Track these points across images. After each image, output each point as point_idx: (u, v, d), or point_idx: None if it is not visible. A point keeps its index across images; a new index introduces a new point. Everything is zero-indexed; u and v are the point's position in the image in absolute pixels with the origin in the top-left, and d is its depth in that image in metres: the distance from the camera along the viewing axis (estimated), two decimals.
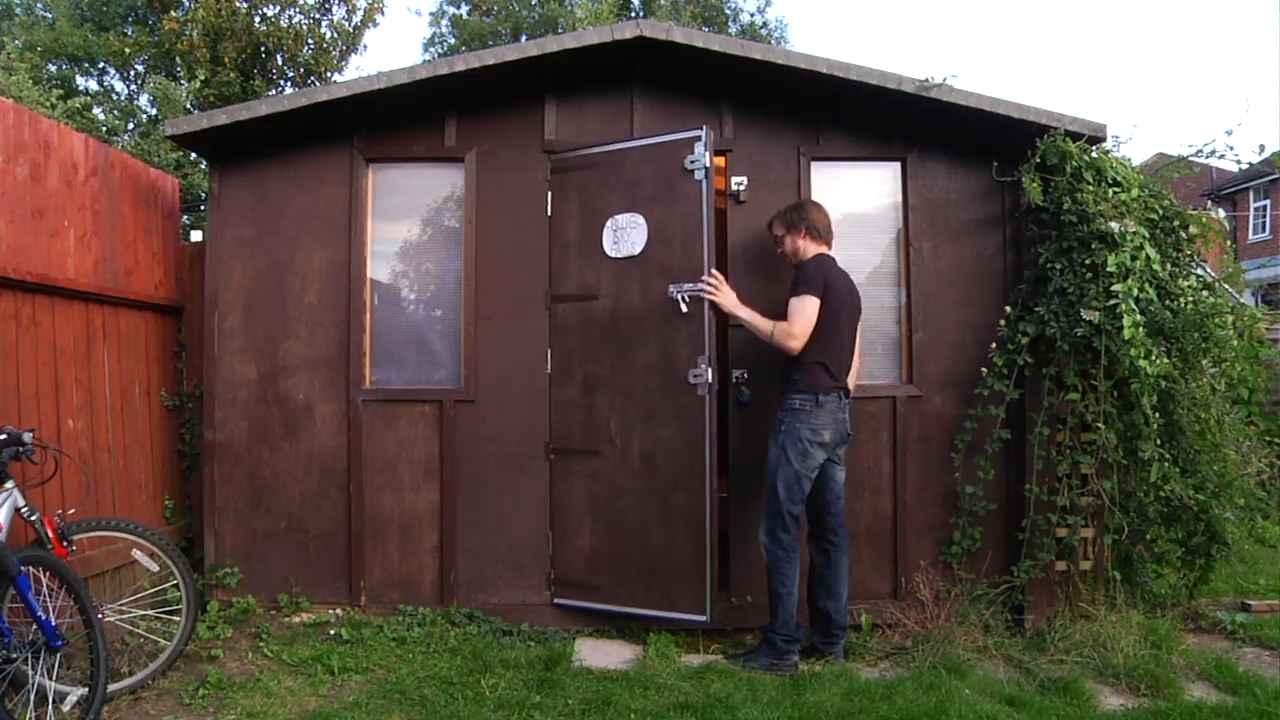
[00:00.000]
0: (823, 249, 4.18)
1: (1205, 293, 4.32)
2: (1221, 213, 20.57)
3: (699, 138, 4.14)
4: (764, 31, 22.69)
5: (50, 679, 3.11)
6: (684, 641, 4.28)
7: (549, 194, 4.53)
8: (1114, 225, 4.07)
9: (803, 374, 4.00)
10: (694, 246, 4.14)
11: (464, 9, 23.46)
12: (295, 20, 12.40)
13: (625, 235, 4.31)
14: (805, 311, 3.98)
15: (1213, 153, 4.55)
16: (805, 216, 4.18)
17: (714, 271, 4.10)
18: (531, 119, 4.58)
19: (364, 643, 4.09)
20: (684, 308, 4.13)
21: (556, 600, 4.46)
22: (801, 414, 3.98)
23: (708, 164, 4.13)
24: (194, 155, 9.10)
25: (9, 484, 3.17)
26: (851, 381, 4.17)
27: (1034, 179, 4.22)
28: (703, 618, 4.11)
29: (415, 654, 4.00)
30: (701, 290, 4.07)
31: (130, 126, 13.56)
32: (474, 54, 4.36)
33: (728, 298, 4.09)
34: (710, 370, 4.08)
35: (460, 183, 4.59)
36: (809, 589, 4.21)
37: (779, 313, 4.06)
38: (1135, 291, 4.00)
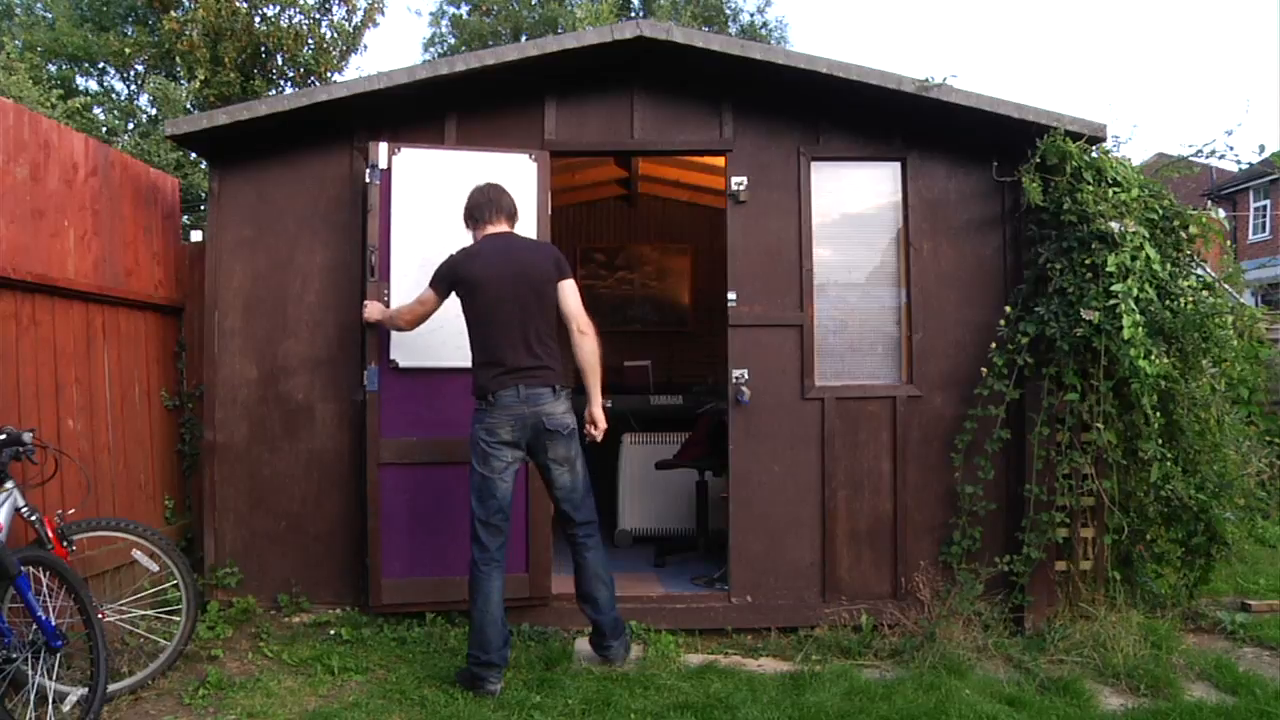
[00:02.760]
0: (486, 230, 3.85)
1: (1205, 293, 4.31)
2: (1221, 213, 20.55)
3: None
4: (764, 31, 22.68)
5: (50, 679, 3.10)
6: (684, 642, 4.28)
7: (548, 193, 4.54)
8: (1114, 225, 4.07)
9: (474, 378, 3.75)
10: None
11: (464, 9, 23.43)
12: (295, 20, 12.40)
13: None
14: (412, 299, 3.96)
15: (1213, 153, 4.55)
16: (465, 207, 3.91)
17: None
18: (532, 119, 4.58)
19: (364, 643, 4.09)
20: None
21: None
22: (476, 415, 3.71)
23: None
24: (194, 155, 9.10)
25: (9, 484, 3.16)
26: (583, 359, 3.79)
27: (1034, 179, 4.22)
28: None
29: (415, 654, 4.00)
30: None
31: (130, 126, 13.57)
32: (474, 54, 4.37)
33: (369, 310, 4.18)
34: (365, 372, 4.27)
35: None
36: (576, 590, 3.94)
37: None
38: (1135, 291, 4.00)
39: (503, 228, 3.86)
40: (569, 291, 3.80)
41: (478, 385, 3.72)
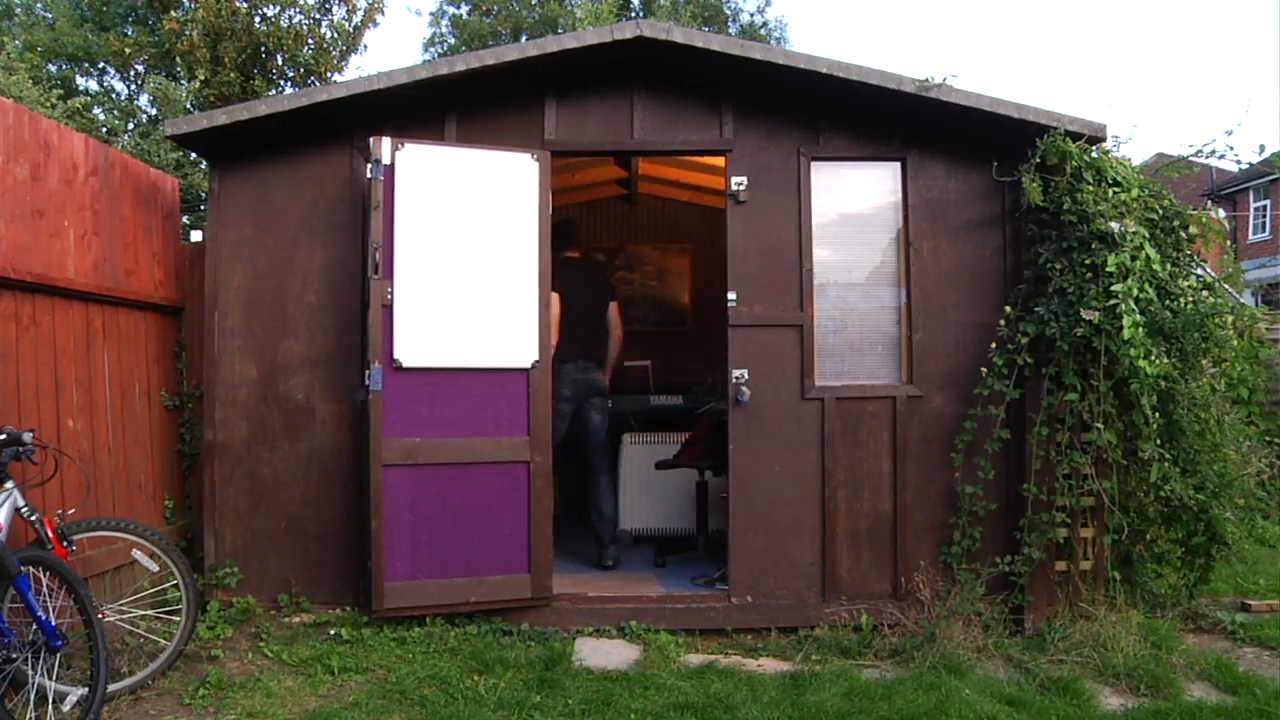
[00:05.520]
0: (566, 253, 5.21)
1: (1205, 293, 4.32)
2: (1221, 213, 20.55)
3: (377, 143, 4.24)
4: (764, 31, 22.66)
5: (50, 679, 3.11)
6: (684, 642, 4.28)
7: (549, 192, 4.54)
8: (1114, 225, 4.07)
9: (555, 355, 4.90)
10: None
11: (464, 9, 23.41)
12: (295, 20, 12.38)
13: None
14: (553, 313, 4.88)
15: (1213, 153, 4.56)
16: (554, 233, 4.68)
17: None
18: (532, 119, 4.58)
19: (364, 643, 4.09)
20: None
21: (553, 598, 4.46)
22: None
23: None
24: (194, 155, 9.09)
25: (9, 484, 3.17)
26: None
27: (1034, 179, 4.22)
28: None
29: (415, 654, 4.00)
30: None
31: (130, 126, 13.54)
32: (474, 54, 4.37)
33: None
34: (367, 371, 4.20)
35: None
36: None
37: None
38: (1135, 291, 4.00)
39: (575, 254, 5.60)
40: (615, 309, 5.62)
41: (556, 359, 4.87)
